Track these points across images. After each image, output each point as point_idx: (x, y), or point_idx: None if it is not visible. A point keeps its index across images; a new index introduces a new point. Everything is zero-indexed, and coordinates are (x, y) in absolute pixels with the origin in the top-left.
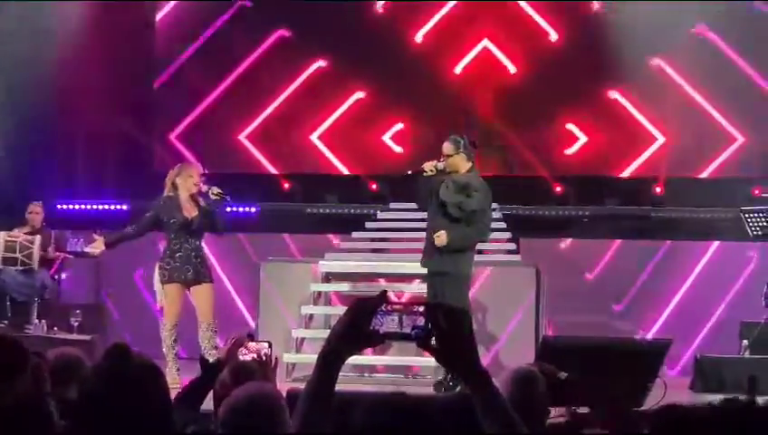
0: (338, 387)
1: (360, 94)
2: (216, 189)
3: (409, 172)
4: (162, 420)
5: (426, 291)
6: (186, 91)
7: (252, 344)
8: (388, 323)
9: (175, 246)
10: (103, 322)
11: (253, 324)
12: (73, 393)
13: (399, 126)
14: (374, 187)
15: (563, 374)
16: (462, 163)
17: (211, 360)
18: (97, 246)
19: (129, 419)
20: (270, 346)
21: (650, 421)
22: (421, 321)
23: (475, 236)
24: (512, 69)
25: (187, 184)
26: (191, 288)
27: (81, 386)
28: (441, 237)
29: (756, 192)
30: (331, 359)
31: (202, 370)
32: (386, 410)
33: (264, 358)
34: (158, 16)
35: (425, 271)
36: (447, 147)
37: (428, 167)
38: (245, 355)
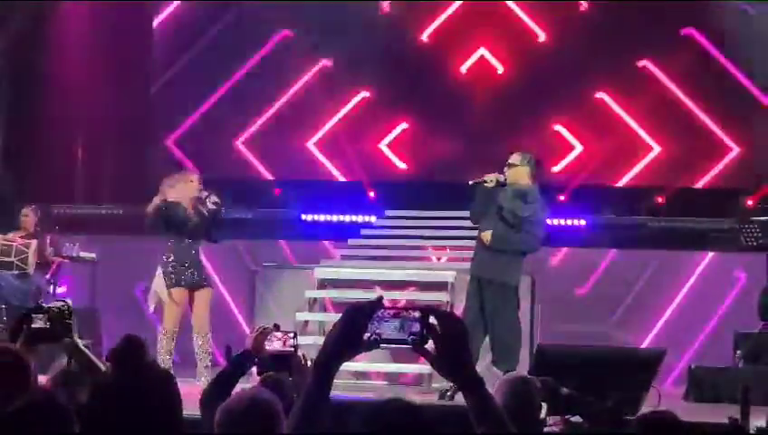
0: (332, 393)
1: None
2: (214, 198)
3: (470, 182)
4: (172, 429)
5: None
6: (184, 96)
7: (278, 334)
8: (385, 329)
9: (179, 250)
10: (98, 327)
11: (248, 331)
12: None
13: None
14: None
15: (565, 390)
16: (524, 175)
17: (203, 367)
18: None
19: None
20: (295, 336)
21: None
22: (417, 327)
23: (517, 241)
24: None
25: (188, 188)
26: (194, 293)
27: (93, 392)
28: (487, 235)
29: (749, 203)
30: (326, 364)
31: (228, 361)
32: (384, 416)
33: (291, 348)
34: (156, 20)
35: (420, 278)
36: (515, 157)
37: (489, 178)
38: (271, 344)
